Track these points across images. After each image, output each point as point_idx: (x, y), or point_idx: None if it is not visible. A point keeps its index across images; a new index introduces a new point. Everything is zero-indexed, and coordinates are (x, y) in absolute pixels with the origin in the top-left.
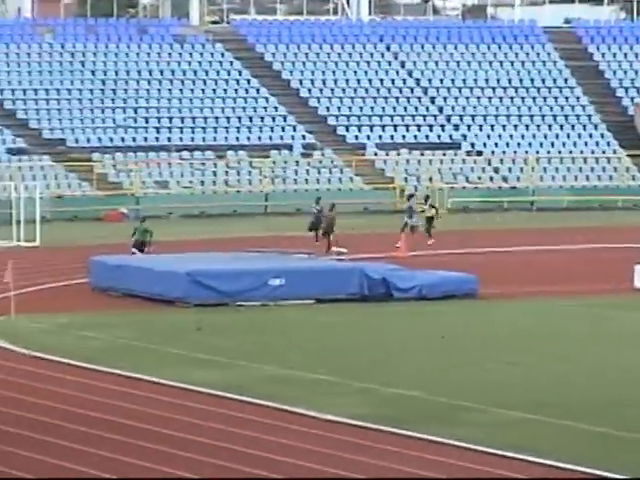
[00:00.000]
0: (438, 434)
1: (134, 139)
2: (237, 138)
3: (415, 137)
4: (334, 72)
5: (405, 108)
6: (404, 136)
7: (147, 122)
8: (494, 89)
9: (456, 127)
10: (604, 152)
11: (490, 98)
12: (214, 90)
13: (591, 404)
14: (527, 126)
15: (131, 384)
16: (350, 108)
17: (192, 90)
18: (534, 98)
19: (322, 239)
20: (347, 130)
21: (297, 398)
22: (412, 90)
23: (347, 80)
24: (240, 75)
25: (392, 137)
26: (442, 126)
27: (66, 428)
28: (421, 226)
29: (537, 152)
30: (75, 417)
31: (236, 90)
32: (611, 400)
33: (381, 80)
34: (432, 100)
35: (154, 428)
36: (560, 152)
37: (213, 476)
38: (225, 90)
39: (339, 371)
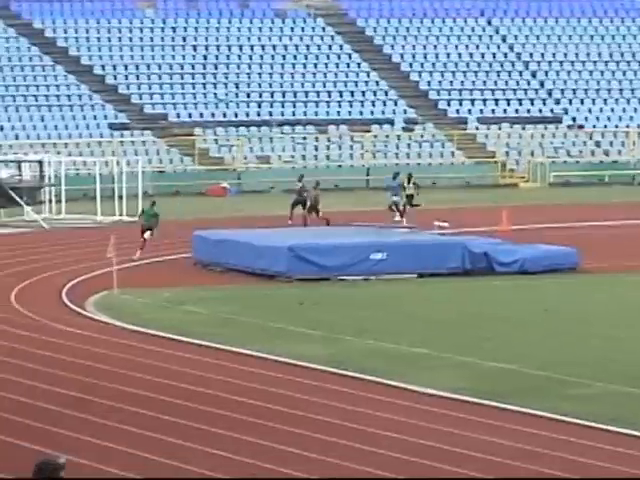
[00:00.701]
0: (537, 408)
1: (236, 114)
2: (338, 112)
3: (516, 111)
4: (435, 46)
5: (506, 82)
6: (505, 110)
7: (249, 97)
8: (595, 63)
9: (557, 101)
10: None
11: (591, 72)
12: (315, 65)
13: None
14: (628, 100)
15: (235, 359)
16: (451, 82)
17: (293, 65)
18: (635, 72)
19: (309, 216)
20: (448, 104)
21: (398, 372)
22: (513, 64)
23: (448, 54)
24: (341, 49)
25: (493, 111)
26: (543, 100)
27: (171, 403)
28: (402, 204)
29: (638, 126)
30: (180, 392)
31: (337, 64)
32: None
33: (482, 54)
34: (533, 74)
35: (259, 403)
36: None
37: (317, 451)
38: (326, 65)
39: (439, 345)
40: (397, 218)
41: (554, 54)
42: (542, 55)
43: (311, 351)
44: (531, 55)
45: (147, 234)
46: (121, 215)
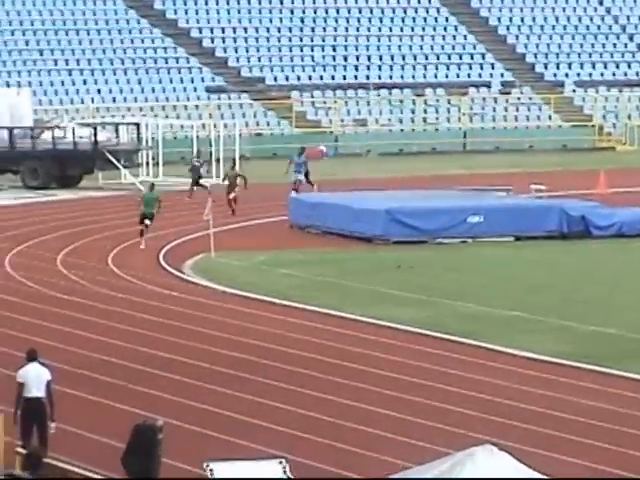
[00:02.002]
0: (636, 371)
1: (332, 77)
2: (435, 76)
3: (613, 74)
4: (532, 9)
5: (603, 45)
6: (602, 73)
7: (346, 60)
8: None
9: None
10: None
11: None
12: (412, 28)
13: None
14: None
15: (333, 322)
16: (548, 45)
17: (390, 28)
18: None
19: (229, 200)
20: (545, 67)
21: (495, 335)
22: (610, 27)
23: (545, 17)
24: (438, 13)
25: (590, 75)
26: None
27: (269, 366)
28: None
29: None
30: (279, 355)
31: (434, 28)
32: None
33: (579, 17)
34: (630, 37)
35: (357, 366)
36: None
37: (413, 414)
38: (423, 28)
39: (537, 309)
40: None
41: None
42: (639, 17)
43: (408, 314)
44: (628, 18)
45: (147, 221)
46: (218, 178)
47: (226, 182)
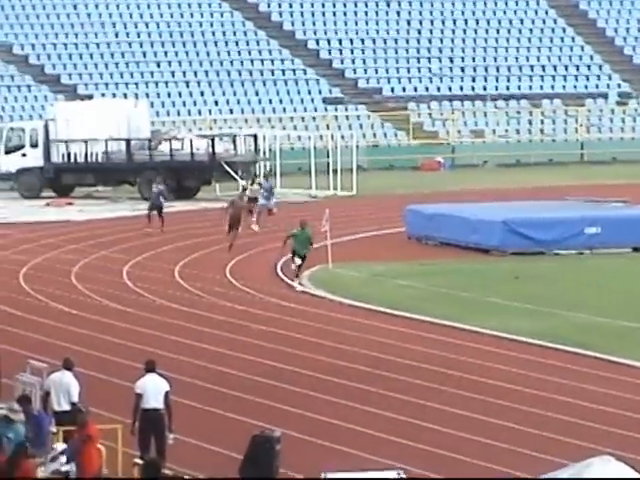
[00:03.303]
0: None
1: (450, 88)
2: (552, 87)
3: None
4: None
5: None
6: None
7: (463, 71)
8: None
9: None
10: None
11: None
12: (529, 39)
13: None
14: None
15: (450, 332)
16: None
17: (507, 39)
18: None
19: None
20: None
21: (612, 347)
22: None
23: None
24: (555, 24)
25: None
26: None
27: (388, 378)
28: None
29: None
30: (396, 366)
31: (551, 39)
32: None
33: None
34: None
35: (473, 377)
36: None
37: (530, 424)
38: (540, 39)
39: None
40: (254, 226)
41: None
42: None
43: (526, 325)
44: None
45: (298, 260)
46: (336, 189)
47: (227, 215)
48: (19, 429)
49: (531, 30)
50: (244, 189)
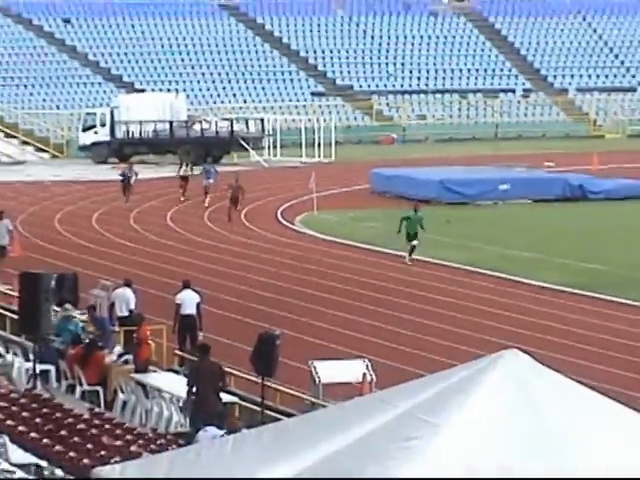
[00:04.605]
0: (625, 297)
1: (402, 85)
2: (475, 84)
3: (603, 82)
4: (545, 35)
5: (596, 61)
6: (595, 82)
7: (411, 72)
8: None
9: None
10: None
11: None
12: (459, 49)
13: None
14: None
15: (398, 260)
16: (557, 62)
17: (443, 50)
18: None
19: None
20: (554, 78)
21: (518, 271)
22: (601, 49)
23: (554, 42)
24: (477, 39)
25: (587, 83)
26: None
27: (359, 293)
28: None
29: None
30: (362, 284)
31: (474, 50)
32: None
33: (575, 41)
34: (616, 56)
35: (415, 291)
36: None
37: (454, 325)
38: (467, 49)
39: (548, 251)
40: (206, 202)
41: None
42: (622, 40)
43: (454, 255)
44: (614, 41)
45: (414, 242)
46: (319, 157)
47: (228, 193)
48: (77, 323)
49: (460, 44)
50: (186, 166)
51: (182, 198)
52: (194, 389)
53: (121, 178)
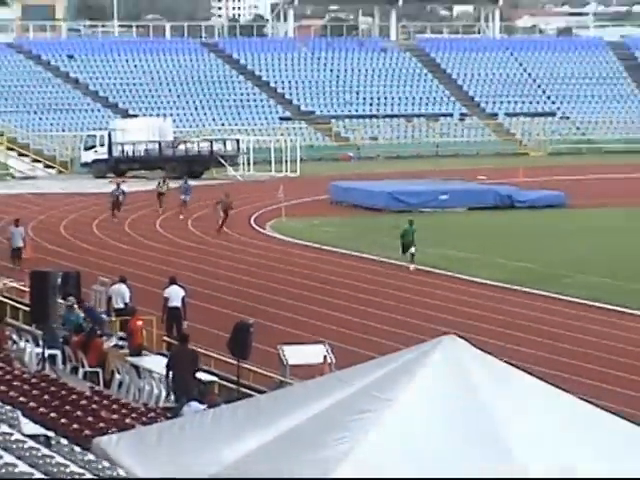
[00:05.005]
0: (547, 290)
1: (356, 110)
2: (419, 109)
3: (527, 108)
4: (478, 67)
5: (522, 90)
6: (521, 108)
7: (364, 100)
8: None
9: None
10: None
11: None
12: (405, 81)
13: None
14: (602, 101)
15: (350, 258)
16: (488, 91)
17: (391, 81)
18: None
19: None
20: (486, 104)
21: (458, 268)
22: (526, 80)
23: (486, 73)
24: (420, 71)
25: (514, 108)
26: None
27: (321, 288)
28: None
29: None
30: (323, 279)
31: (418, 80)
32: None
33: (503, 73)
34: (538, 85)
35: (365, 285)
36: None
37: (399, 313)
38: (412, 80)
39: (481, 251)
40: (181, 217)
41: None
42: (544, 72)
43: (397, 255)
44: (537, 73)
45: (412, 250)
46: (286, 172)
47: (219, 208)
48: (78, 314)
49: (406, 75)
50: (163, 183)
51: (160, 211)
52: (174, 372)
53: (110, 198)
